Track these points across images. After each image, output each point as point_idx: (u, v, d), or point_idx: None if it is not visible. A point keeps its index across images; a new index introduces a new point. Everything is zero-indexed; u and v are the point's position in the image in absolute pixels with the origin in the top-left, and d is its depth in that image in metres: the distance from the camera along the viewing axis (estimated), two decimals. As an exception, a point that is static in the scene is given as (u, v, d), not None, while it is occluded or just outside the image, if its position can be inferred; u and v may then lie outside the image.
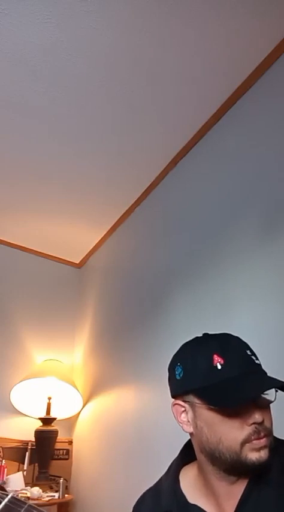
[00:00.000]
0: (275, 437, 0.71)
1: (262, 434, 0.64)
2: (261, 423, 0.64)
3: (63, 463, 2.15)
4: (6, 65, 1.47)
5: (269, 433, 0.66)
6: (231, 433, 0.65)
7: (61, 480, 1.85)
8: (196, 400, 0.70)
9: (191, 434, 0.73)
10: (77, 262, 2.79)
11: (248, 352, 0.70)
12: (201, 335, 0.77)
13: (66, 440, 2.22)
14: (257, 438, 0.64)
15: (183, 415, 0.72)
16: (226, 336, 0.74)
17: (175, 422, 0.74)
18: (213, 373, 0.68)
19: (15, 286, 2.48)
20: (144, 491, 0.79)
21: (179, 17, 1.32)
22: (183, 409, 0.72)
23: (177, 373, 0.74)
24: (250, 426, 0.64)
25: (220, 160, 1.60)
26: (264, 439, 0.65)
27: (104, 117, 1.69)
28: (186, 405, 0.72)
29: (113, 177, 2.03)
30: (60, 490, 1.81)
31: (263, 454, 0.64)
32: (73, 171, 1.98)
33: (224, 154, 1.58)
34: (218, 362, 0.68)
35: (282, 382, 0.65)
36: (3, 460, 1.89)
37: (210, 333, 0.76)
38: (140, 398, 1.72)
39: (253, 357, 0.70)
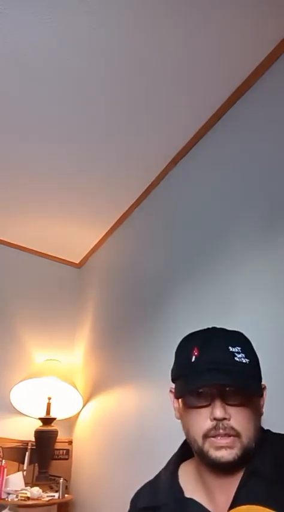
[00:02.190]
0: (270, 431, 0.71)
1: (223, 432, 0.63)
2: (223, 420, 0.64)
3: (63, 463, 2.15)
4: (6, 65, 1.47)
5: (236, 433, 0.64)
6: (196, 425, 0.66)
7: (61, 480, 1.85)
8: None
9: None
10: (77, 262, 2.79)
11: (231, 349, 0.67)
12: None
13: (66, 440, 2.22)
14: (218, 435, 0.63)
15: (176, 401, 0.75)
16: (215, 330, 0.74)
17: (176, 422, 0.75)
18: (187, 365, 0.69)
19: (15, 286, 2.48)
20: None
21: (179, 17, 1.32)
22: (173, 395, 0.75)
23: (174, 362, 0.77)
24: (212, 421, 0.64)
25: (220, 160, 1.60)
26: (226, 438, 0.63)
27: (104, 117, 1.69)
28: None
29: (113, 177, 2.03)
30: (60, 490, 1.81)
31: (226, 455, 0.63)
32: (74, 171, 1.98)
33: (224, 154, 1.58)
34: (194, 355, 0.69)
35: (233, 380, 0.64)
36: (3, 460, 1.89)
37: (217, 327, 0.76)
38: (140, 398, 1.72)
39: (236, 354, 0.67)
